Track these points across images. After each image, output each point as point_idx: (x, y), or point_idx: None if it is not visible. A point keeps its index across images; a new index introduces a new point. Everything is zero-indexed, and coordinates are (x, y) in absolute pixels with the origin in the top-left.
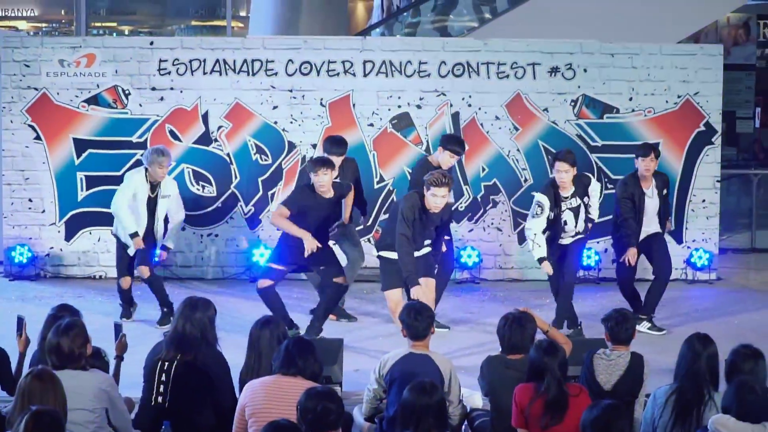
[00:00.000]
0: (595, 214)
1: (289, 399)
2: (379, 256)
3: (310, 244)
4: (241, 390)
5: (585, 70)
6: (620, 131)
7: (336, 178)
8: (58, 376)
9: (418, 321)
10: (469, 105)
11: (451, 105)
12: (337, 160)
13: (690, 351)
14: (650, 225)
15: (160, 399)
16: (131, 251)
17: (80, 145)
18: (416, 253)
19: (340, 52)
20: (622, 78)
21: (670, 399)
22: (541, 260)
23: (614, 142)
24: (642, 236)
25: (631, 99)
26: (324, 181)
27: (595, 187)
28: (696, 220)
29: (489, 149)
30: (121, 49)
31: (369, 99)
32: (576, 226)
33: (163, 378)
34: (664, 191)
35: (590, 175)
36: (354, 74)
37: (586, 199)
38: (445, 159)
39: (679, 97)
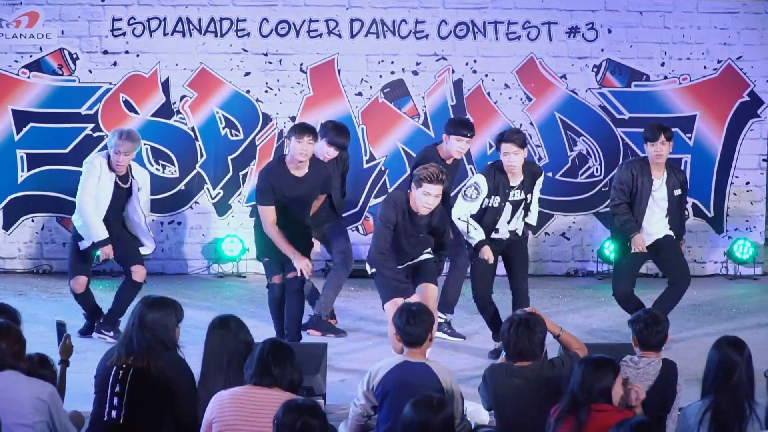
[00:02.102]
0: (533, 217)
1: (264, 413)
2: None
3: (300, 263)
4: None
5: (609, 31)
6: (650, 102)
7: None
8: None
9: (411, 325)
10: (474, 71)
11: (453, 71)
12: (335, 153)
13: (724, 359)
14: (656, 228)
15: (114, 413)
16: (83, 244)
17: (20, 117)
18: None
19: (322, 9)
20: (652, 40)
21: (705, 417)
22: (480, 245)
23: (643, 115)
24: (646, 242)
25: (663, 64)
26: (307, 150)
27: (540, 183)
28: (738, 205)
29: (497, 122)
30: (68, 6)
31: (357, 64)
32: (509, 224)
33: (117, 389)
34: (678, 192)
35: (541, 168)
36: (339, 35)
37: (530, 196)
38: (453, 146)
39: (719, 62)
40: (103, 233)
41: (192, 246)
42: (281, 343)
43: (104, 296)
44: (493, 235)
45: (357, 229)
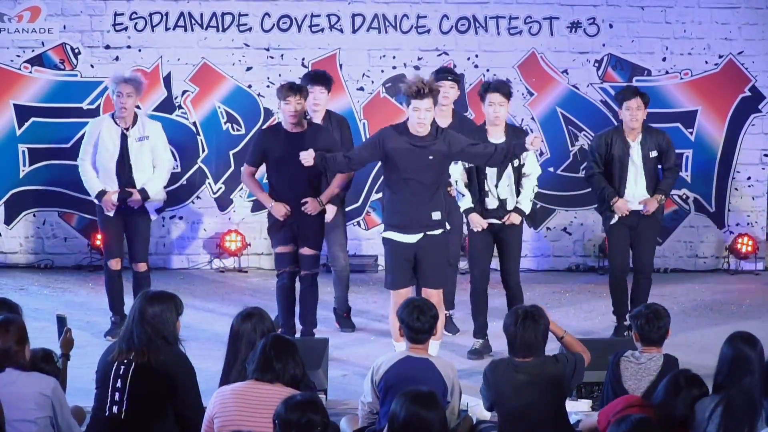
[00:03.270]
0: (525, 200)
1: (266, 408)
2: (384, 239)
3: (277, 210)
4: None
5: (611, 26)
6: (652, 96)
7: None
8: None
9: (419, 321)
10: (476, 66)
11: (455, 66)
12: (321, 98)
13: (737, 355)
14: (638, 193)
15: (115, 408)
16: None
17: (22, 112)
18: (408, 238)
19: (324, 4)
20: (653, 35)
21: (715, 412)
22: (468, 211)
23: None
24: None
25: (664, 59)
26: (295, 110)
27: (532, 155)
28: (740, 200)
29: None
30: (70, 1)
31: (359, 59)
32: (497, 188)
33: (119, 384)
34: (654, 154)
35: (524, 129)
36: (341, 30)
37: (517, 161)
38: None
39: (720, 57)
40: (97, 185)
41: (194, 241)
42: (284, 338)
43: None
44: (486, 205)
45: (359, 224)
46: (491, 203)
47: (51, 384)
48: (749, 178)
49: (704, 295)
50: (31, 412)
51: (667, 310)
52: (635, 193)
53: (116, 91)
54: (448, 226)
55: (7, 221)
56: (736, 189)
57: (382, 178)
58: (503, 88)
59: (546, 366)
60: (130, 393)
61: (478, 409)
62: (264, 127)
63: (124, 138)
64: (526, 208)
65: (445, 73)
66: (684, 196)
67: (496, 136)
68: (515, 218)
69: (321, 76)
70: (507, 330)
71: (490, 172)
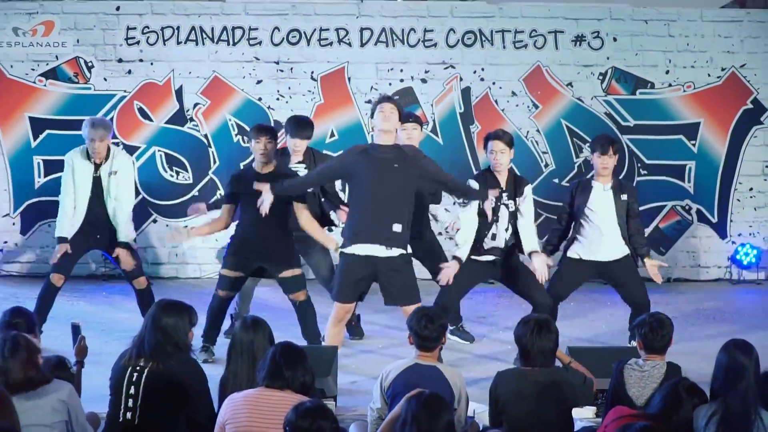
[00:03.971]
0: (531, 237)
1: (276, 415)
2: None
3: (263, 191)
4: (220, 404)
5: (615, 39)
6: (655, 109)
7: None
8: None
9: (428, 329)
10: (482, 79)
11: (461, 79)
12: (301, 145)
13: (733, 362)
14: (609, 245)
15: (129, 415)
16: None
17: (37, 125)
18: (367, 250)
19: (333, 18)
20: (657, 48)
21: (712, 419)
22: (456, 260)
23: (648, 122)
24: (602, 258)
25: (667, 72)
26: (265, 149)
27: (529, 197)
28: (742, 211)
29: (506, 129)
30: (84, 15)
31: (367, 72)
32: (507, 231)
33: (132, 391)
34: (624, 197)
35: (527, 180)
36: (349, 44)
37: (513, 204)
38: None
39: (722, 69)
40: (60, 231)
41: (205, 251)
42: (293, 345)
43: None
44: (491, 244)
45: None
46: (500, 244)
47: (67, 390)
48: (751, 189)
49: (707, 304)
50: (47, 417)
51: (670, 319)
52: (608, 249)
53: (90, 136)
54: (409, 249)
55: (23, 231)
56: (738, 200)
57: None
58: (504, 137)
59: (556, 375)
60: (143, 399)
61: (484, 415)
62: (236, 171)
63: (97, 176)
64: (536, 245)
65: (406, 116)
66: (687, 207)
67: (501, 180)
68: (542, 259)
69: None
70: (521, 340)
71: (502, 217)
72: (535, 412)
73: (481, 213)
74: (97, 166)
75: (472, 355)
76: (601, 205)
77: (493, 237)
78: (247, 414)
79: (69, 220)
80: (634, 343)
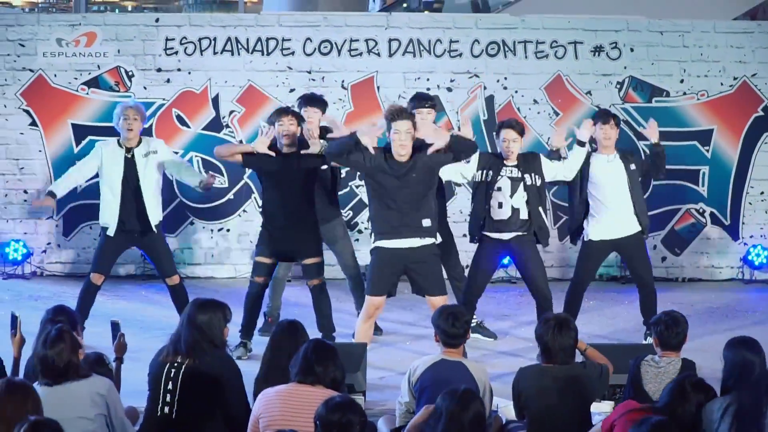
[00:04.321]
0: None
1: (307, 409)
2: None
3: (259, 146)
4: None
5: (632, 50)
6: (670, 116)
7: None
8: (34, 387)
9: (455, 327)
10: (505, 87)
11: (485, 87)
12: (314, 117)
13: (741, 359)
14: (622, 215)
15: (166, 409)
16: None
17: (80, 131)
18: (397, 243)
19: (362, 29)
20: (672, 58)
21: (727, 412)
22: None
23: (664, 129)
24: (617, 233)
25: (682, 81)
26: (290, 130)
27: (544, 161)
28: (754, 213)
29: (526, 136)
30: (124, 26)
31: (395, 81)
32: (512, 198)
33: (170, 386)
34: (633, 167)
35: (536, 153)
36: (378, 54)
37: (528, 177)
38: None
39: (735, 79)
40: (59, 186)
41: (240, 252)
42: (325, 342)
43: (159, 298)
44: (496, 215)
45: None
46: (504, 214)
47: (106, 384)
48: (762, 192)
49: (720, 303)
50: (88, 410)
51: (685, 317)
52: (623, 220)
53: (122, 114)
54: (439, 238)
55: (66, 233)
56: (750, 203)
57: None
58: (518, 126)
59: (574, 370)
60: (181, 394)
61: (507, 410)
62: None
63: (130, 156)
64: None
65: (422, 100)
66: (701, 210)
67: (508, 161)
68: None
69: (315, 99)
70: (539, 338)
71: (504, 185)
72: (555, 406)
73: (478, 185)
74: (129, 150)
75: (495, 351)
76: (607, 177)
77: (500, 206)
78: (280, 408)
79: (65, 184)
80: (650, 340)
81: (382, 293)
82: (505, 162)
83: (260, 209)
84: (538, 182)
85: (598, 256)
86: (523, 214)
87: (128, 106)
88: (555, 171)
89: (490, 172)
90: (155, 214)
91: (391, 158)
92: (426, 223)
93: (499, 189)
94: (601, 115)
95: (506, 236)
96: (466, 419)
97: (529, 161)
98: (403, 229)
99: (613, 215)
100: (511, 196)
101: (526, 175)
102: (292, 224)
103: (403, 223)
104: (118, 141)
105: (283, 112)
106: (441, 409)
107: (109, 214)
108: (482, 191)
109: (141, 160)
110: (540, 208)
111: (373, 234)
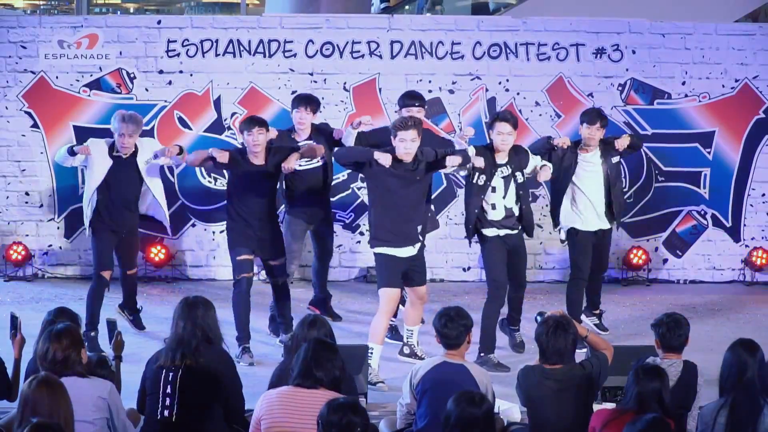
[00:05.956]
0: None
1: (309, 412)
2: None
3: (219, 155)
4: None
5: (633, 52)
6: (672, 118)
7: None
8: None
9: (448, 328)
10: (507, 90)
11: (487, 89)
12: (306, 117)
13: (738, 360)
14: (600, 210)
15: (166, 412)
16: (78, 160)
17: (81, 133)
18: (397, 252)
19: (364, 31)
20: (674, 60)
21: (721, 413)
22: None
23: (666, 131)
24: (596, 226)
25: (684, 83)
26: (259, 140)
27: (531, 158)
28: (755, 216)
29: (528, 138)
30: (126, 29)
31: (397, 83)
32: (505, 199)
33: (169, 389)
34: (615, 159)
35: (525, 148)
36: (380, 56)
37: (519, 175)
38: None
39: (736, 81)
40: (66, 147)
41: None
42: (325, 343)
43: (159, 299)
44: (490, 216)
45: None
46: (498, 215)
47: (108, 387)
48: (764, 194)
49: (721, 305)
50: (89, 413)
51: (686, 319)
52: (595, 209)
53: (120, 131)
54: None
55: (67, 235)
56: (751, 205)
57: (368, 193)
58: (511, 119)
59: (574, 372)
60: (180, 397)
61: (509, 412)
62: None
63: (116, 160)
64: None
65: (412, 99)
66: (702, 212)
67: (500, 158)
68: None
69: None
70: (539, 339)
71: (498, 186)
72: (556, 406)
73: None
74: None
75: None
76: (587, 173)
77: (494, 207)
78: (281, 411)
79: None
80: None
81: (397, 285)
82: (497, 160)
83: (227, 204)
84: (525, 178)
85: (586, 244)
86: (515, 212)
87: (128, 121)
88: (534, 167)
89: (483, 176)
90: (136, 212)
91: (396, 160)
92: (419, 229)
93: (494, 189)
94: (588, 116)
95: (501, 233)
96: (479, 417)
97: (518, 156)
98: (401, 239)
99: (593, 210)
100: (504, 197)
101: (517, 173)
102: (260, 232)
103: (401, 231)
104: (111, 146)
105: (251, 123)
106: (451, 412)
107: (90, 210)
108: (477, 195)
109: (143, 166)
110: (530, 204)
111: (371, 240)
